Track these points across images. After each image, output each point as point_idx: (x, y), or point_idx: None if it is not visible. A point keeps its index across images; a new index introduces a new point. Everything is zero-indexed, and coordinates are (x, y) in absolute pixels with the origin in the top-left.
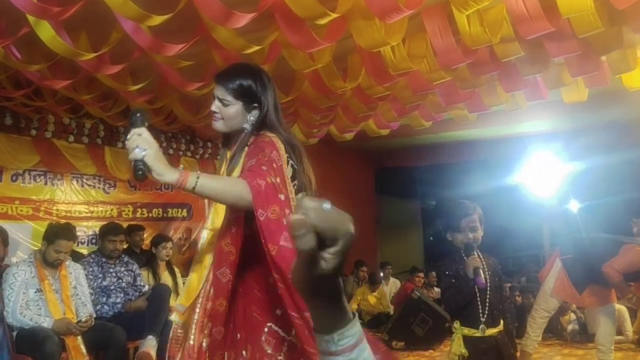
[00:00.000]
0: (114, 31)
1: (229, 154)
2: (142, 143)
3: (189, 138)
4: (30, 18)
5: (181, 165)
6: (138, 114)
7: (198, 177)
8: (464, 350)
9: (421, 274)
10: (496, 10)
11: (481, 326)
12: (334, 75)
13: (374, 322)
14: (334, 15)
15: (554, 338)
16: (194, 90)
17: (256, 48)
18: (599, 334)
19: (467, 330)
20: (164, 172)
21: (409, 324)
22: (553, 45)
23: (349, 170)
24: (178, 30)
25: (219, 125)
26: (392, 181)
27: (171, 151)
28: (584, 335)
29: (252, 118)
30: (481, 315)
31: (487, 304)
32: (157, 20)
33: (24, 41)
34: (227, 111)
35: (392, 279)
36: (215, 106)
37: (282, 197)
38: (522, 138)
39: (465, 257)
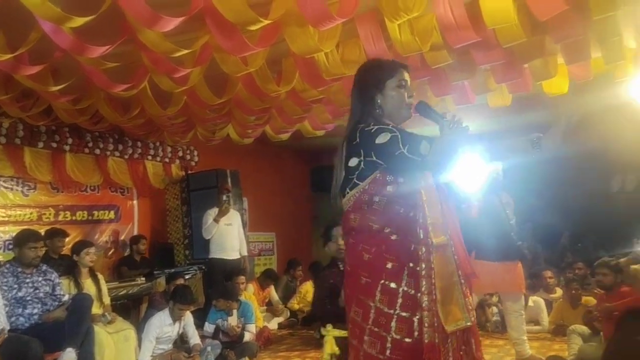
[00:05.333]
0: (33, 30)
1: None
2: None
3: (117, 137)
4: None
5: None
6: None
7: None
8: None
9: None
10: (426, 19)
11: None
12: (268, 78)
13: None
14: (266, 22)
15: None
16: (122, 92)
17: (185, 52)
18: (510, 329)
19: None
20: None
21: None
22: (479, 54)
23: (284, 168)
24: (103, 31)
25: None
26: (328, 179)
27: (98, 151)
28: (505, 327)
29: None
30: None
31: None
32: (78, 22)
33: None
34: None
35: None
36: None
37: None
38: None
39: None
